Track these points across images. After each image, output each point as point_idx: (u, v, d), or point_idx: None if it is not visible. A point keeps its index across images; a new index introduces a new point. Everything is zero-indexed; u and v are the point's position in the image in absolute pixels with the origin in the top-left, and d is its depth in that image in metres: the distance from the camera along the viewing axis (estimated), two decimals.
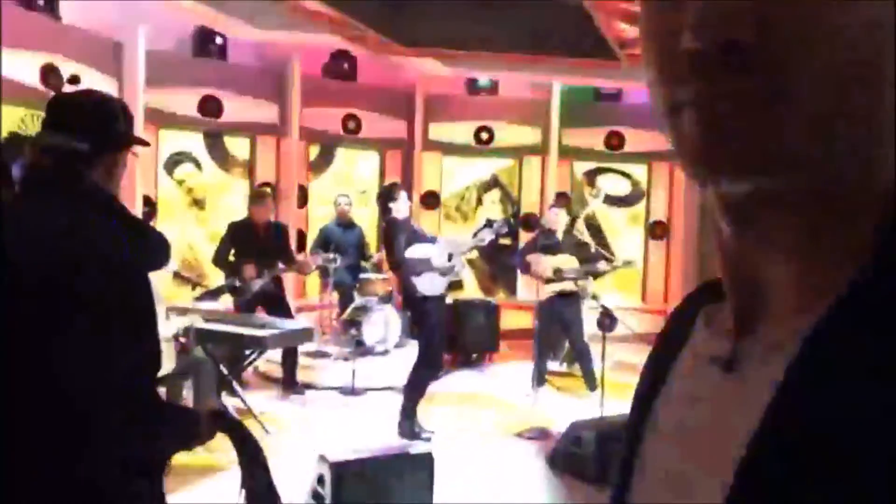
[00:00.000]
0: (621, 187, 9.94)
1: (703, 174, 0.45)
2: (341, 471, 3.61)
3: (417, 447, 4.27)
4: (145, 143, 1.75)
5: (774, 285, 0.46)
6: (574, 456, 4.71)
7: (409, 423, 5.31)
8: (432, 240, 5.47)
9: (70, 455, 1.35)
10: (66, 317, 1.31)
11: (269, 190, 6.97)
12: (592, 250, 6.83)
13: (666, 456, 0.51)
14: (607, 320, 9.54)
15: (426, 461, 3.89)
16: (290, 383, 6.41)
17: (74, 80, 1.58)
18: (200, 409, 1.66)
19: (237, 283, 6.10)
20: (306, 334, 5.49)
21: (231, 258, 6.32)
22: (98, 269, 1.34)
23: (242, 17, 7.19)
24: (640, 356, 7.97)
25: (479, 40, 7.59)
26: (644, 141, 9.48)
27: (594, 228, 9.54)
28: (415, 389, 5.35)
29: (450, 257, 5.28)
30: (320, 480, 3.68)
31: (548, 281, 6.44)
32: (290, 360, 6.38)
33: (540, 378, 6.52)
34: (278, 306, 6.28)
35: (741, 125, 0.41)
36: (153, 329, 1.42)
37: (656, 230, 9.73)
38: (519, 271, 7.09)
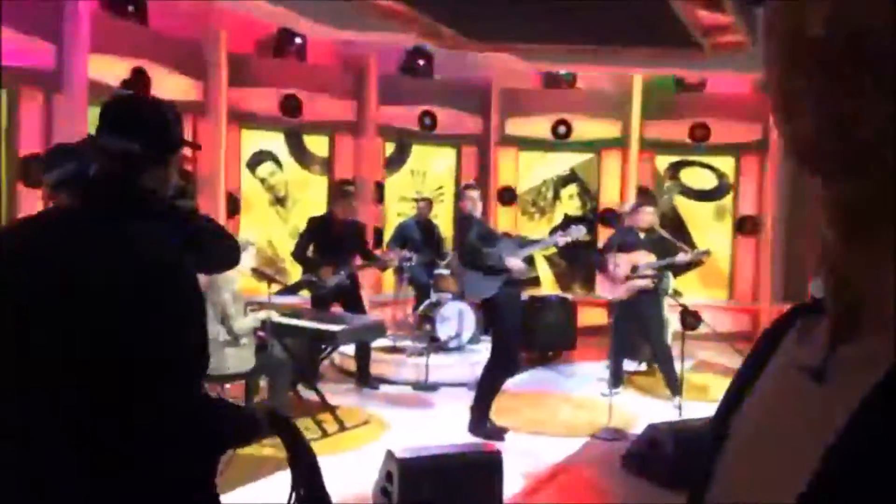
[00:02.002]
0: (706, 181, 9.59)
1: (815, 170, 0.44)
2: (408, 468, 3.61)
3: (486, 446, 4.23)
4: (197, 146, 1.77)
5: (876, 295, 0.45)
6: (649, 459, 4.57)
7: (480, 422, 5.28)
8: (497, 240, 5.41)
9: (123, 460, 1.37)
10: (111, 323, 1.33)
11: (352, 188, 7.06)
12: (691, 252, 6.57)
13: (743, 464, 0.51)
14: (690, 318, 9.27)
15: (494, 460, 3.85)
16: (363, 377, 6.49)
17: (128, 84, 1.62)
18: (255, 407, 1.67)
19: (314, 279, 6.22)
20: (377, 329, 5.54)
21: (310, 253, 6.45)
22: (145, 275, 1.37)
23: (320, 17, 7.32)
24: (723, 356, 7.72)
25: (555, 33, 7.45)
26: (731, 132, 9.12)
27: (676, 223, 9.24)
28: (486, 389, 5.32)
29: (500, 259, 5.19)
30: (388, 477, 3.70)
31: (625, 279, 6.27)
32: (363, 354, 6.46)
33: (615, 380, 6.36)
34: (353, 302, 6.37)
35: (860, 121, 0.40)
36: (199, 331, 1.44)
37: (745, 225, 9.34)
38: (597, 270, 6.92)
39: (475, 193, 5.40)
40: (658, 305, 6.37)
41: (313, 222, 6.59)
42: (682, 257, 6.38)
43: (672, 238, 6.75)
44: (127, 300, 1.33)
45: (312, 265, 6.34)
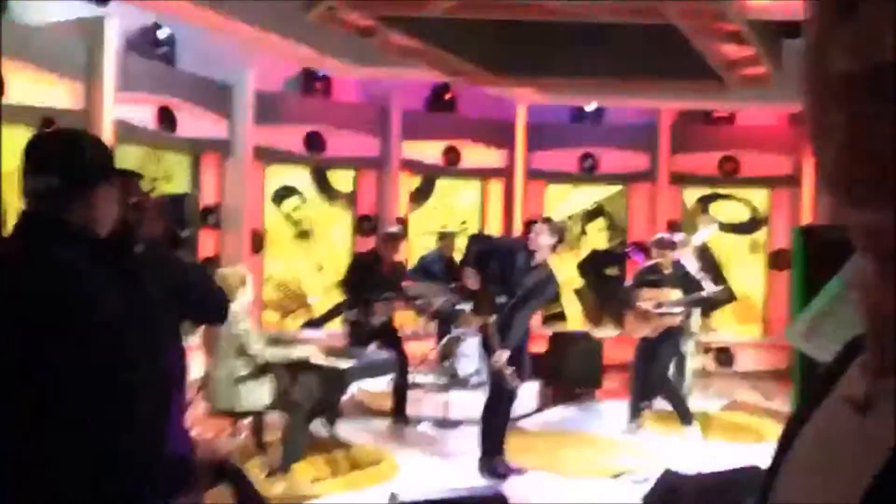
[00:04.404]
0: (738, 214, 9.40)
1: (848, 200, 0.44)
2: None
3: (487, 488, 4.12)
4: (135, 176, 1.74)
5: None
6: None
7: (489, 462, 5.16)
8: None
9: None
10: (34, 357, 1.33)
11: (400, 230, 7.06)
12: (715, 289, 6.42)
13: (791, 497, 0.51)
14: (722, 356, 9.01)
15: (499, 503, 3.74)
16: (398, 414, 6.43)
17: (48, 122, 1.61)
18: (199, 459, 1.63)
19: (358, 319, 6.24)
20: (388, 366, 5.49)
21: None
22: (50, 306, 1.36)
23: (345, 56, 7.43)
24: (757, 395, 7.45)
25: (580, 66, 7.44)
26: (763, 165, 8.95)
27: (708, 258, 9.04)
28: (488, 426, 5.17)
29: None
30: None
31: (650, 316, 6.15)
32: (399, 390, 6.41)
33: (634, 411, 6.20)
34: (392, 341, 6.38)
35: (891, 151, 0.40)
36: (122, 368, 1.41)
37: (778, 259, 9.10)
38: (625, 307, 6.79)
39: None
40: (676, 342, 6.25)
41: (361, 259, 6.66)
42: (699, 294, 6.24)
43: (696, 274, 6.58)
44: (30, 330, 1.33)
45: (355, 304, 6.35)
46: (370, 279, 6.35)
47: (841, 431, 0.48)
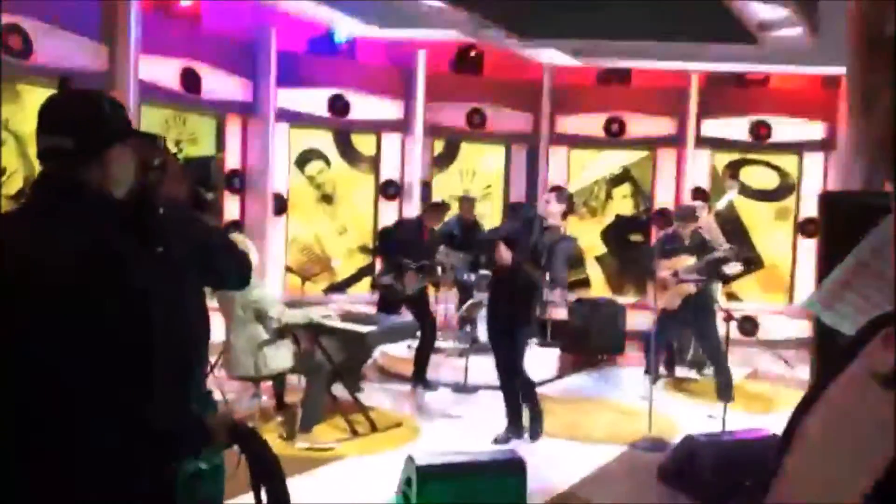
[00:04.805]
0: (767, 180, 9.21)
1: (890, 167, 0.43)
2: (426, 473, 3.57)
3: (509, 452, 4.15)
4: (140, 135, 1.72)
5: None
6: (686, 472, 4.40)
7: (511, 427, 5.21)
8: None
9: (68, 467, 1.38)
10: (39, 322, 1.34)
11: (446, 202, 7.04)
12: (721, 249, 6.32)
13: (809, 463, 0.51)
14: (747, 324, 8.91)
15: (517, 467, 3.77)
16: (418, 378, 6.48)
17: (65, 81, 1.59)
18: (214, 419, 1.64)
19: (393, 284, 6.27)
20: (408, 330, 5.51)
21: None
22: (65, 268, 1.37)
23: (369, 17, 7.34)
24: (780, 365, 7.38)
25: (608, 28, 7.27)
26: (794, 130, 8.74)
27: (733, 225, 8.91)
28: (507, 393, 5.22)
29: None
30: (408, 482, 3.67)
31: (669, 285, 6.09)
32: (422, 354, 6.47)
33: (653, 372, 6.16)
34: (422, 308, 6.42)
35: None
36: (136, 322, 1.42)
37: (807, 227, 8.93)
38: (647, 278, 6.75)
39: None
40: (706, 310, 6.16)
41: (403, 225, 6.72)
42: (712, 256, 6.16)
43: (720, 239, 6.51)
44: (46, 293, 1.34)
45: (392, 269, 6.39)
46: (410, 246, 6.37)
47: (865, 403, 0.48)
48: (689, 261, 6.10)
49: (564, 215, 5.46)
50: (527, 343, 5.24)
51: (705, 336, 6.17)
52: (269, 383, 5.28)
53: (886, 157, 0.43)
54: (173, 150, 6.67)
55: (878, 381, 0.47)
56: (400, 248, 6.39)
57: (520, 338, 5.09)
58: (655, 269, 6.14)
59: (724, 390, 5.96)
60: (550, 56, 8.39)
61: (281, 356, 4.90)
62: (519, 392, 5.22)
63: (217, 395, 3.25)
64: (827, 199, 3.91)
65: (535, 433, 5.24)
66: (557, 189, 5.70)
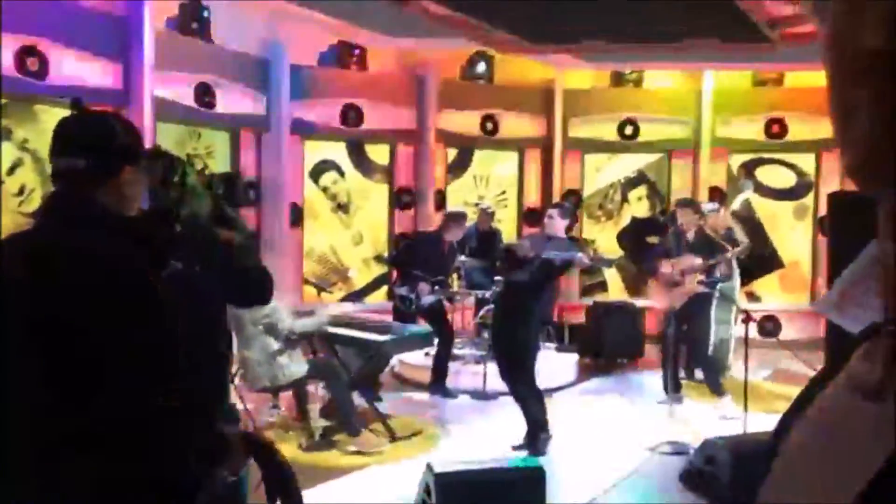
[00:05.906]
0: (785, 179, 9.13)
1: (870, 180, 0.43)
2: (445, 481, 3.57)
3: (524, 460, 4.13)
4: (152, 157, 1.74)
5: None
6: (707, 476, 4.36)
7: (530, 436, 5.18)
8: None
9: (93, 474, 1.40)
10: (60, 342, 1.36)
11: (465, 215, 7.05)
12: (729, 248, 6.32)
13: (797, 469, 0.51)
14: (769, 325, 8.82)
15: (536, 475, 3.75)
16: (437, 386, 6.48)
17: (77, 102, 1.60)
18: (230, 432, 1.65)
19: (409, 295, 6.28)
20: (424, 339, 5.51)
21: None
22: (79, 286, 1.39)
23: (379, 27, 7.38)
24: (803, 365, 7.32)
25: (618, 31, 7.25)
26: (812, 128, 8.66)
27: (752, 224, 8.83)
28: (521, 402, 5.20)
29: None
30: (427, 490, 3.67)
31: (673, 285, 6.08)
32: (440, 363, 6.46)
33: (674, 384, 6.16)
34: (438, 318, 6.42)
35: None
36: (149, 336, 1.43)
37: (826, 226, 8.83)
38: (650, 277, 6.75)
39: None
40: (707, 309, 6.17)
41: (421, 237, 6.78)
42: (722, 256, 6.16)
43: (740, 237, 6.50)
44: (61, 308, 1.36)
45: (407, 281, 6.40)
46: (428, 260, 6.38)
47: (852, 414, 0.47)
48: (692, 260, 6.10)
49: (569, 228, 5.58)
50: (528, 351, 5.17)
51: (692, 331, 6.19)
52: (289, 393, 5.30)
53: (864, 171, 0.43)
54: (198, 167, 6.74)
55: (861, 393, 0.47)
56: (418, 262, 6.41)
57: (518, 346, 5.09)
58: (656, 267, 6.19)
59: (713, 385, 6.13)
60: (561, 60, 8.39)
61: (296, 363, 4.93)
62: (523, 399, 5.17)
63: (238, 406, 3.27)
64: (835, 199, 3.87)
65: (534, 447, 5.08)
66: (559, 206, 5.74)
